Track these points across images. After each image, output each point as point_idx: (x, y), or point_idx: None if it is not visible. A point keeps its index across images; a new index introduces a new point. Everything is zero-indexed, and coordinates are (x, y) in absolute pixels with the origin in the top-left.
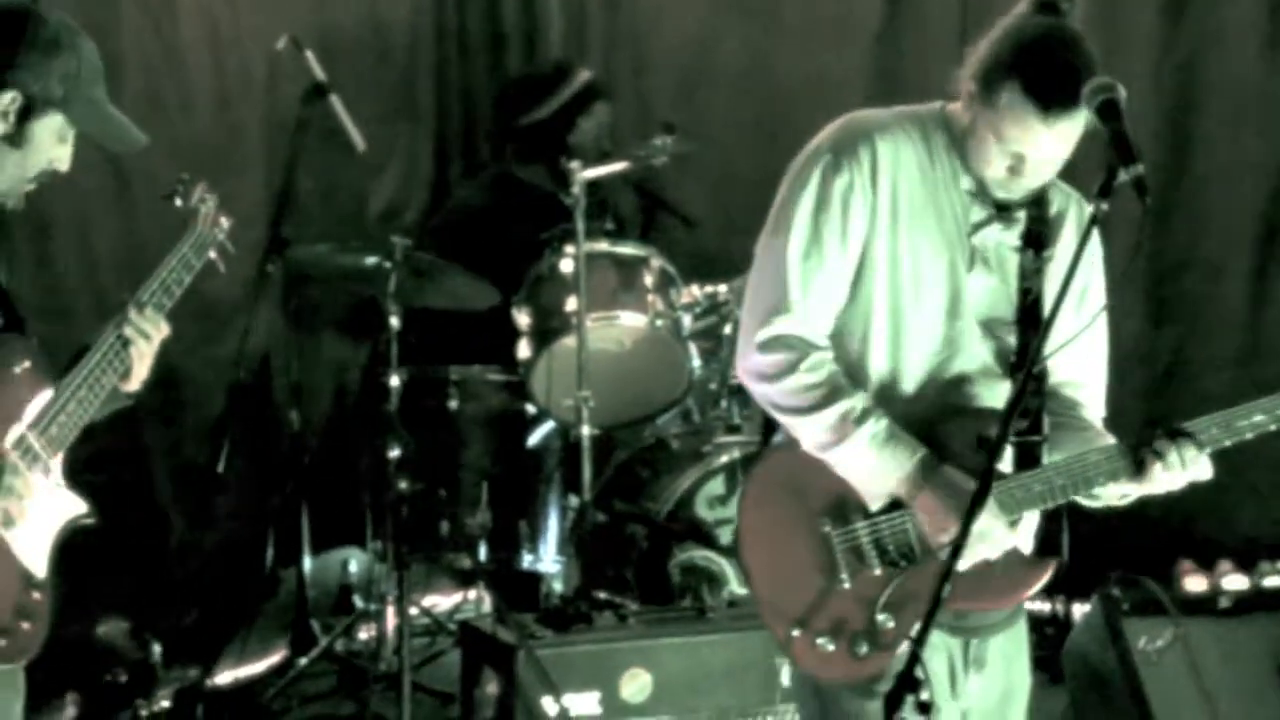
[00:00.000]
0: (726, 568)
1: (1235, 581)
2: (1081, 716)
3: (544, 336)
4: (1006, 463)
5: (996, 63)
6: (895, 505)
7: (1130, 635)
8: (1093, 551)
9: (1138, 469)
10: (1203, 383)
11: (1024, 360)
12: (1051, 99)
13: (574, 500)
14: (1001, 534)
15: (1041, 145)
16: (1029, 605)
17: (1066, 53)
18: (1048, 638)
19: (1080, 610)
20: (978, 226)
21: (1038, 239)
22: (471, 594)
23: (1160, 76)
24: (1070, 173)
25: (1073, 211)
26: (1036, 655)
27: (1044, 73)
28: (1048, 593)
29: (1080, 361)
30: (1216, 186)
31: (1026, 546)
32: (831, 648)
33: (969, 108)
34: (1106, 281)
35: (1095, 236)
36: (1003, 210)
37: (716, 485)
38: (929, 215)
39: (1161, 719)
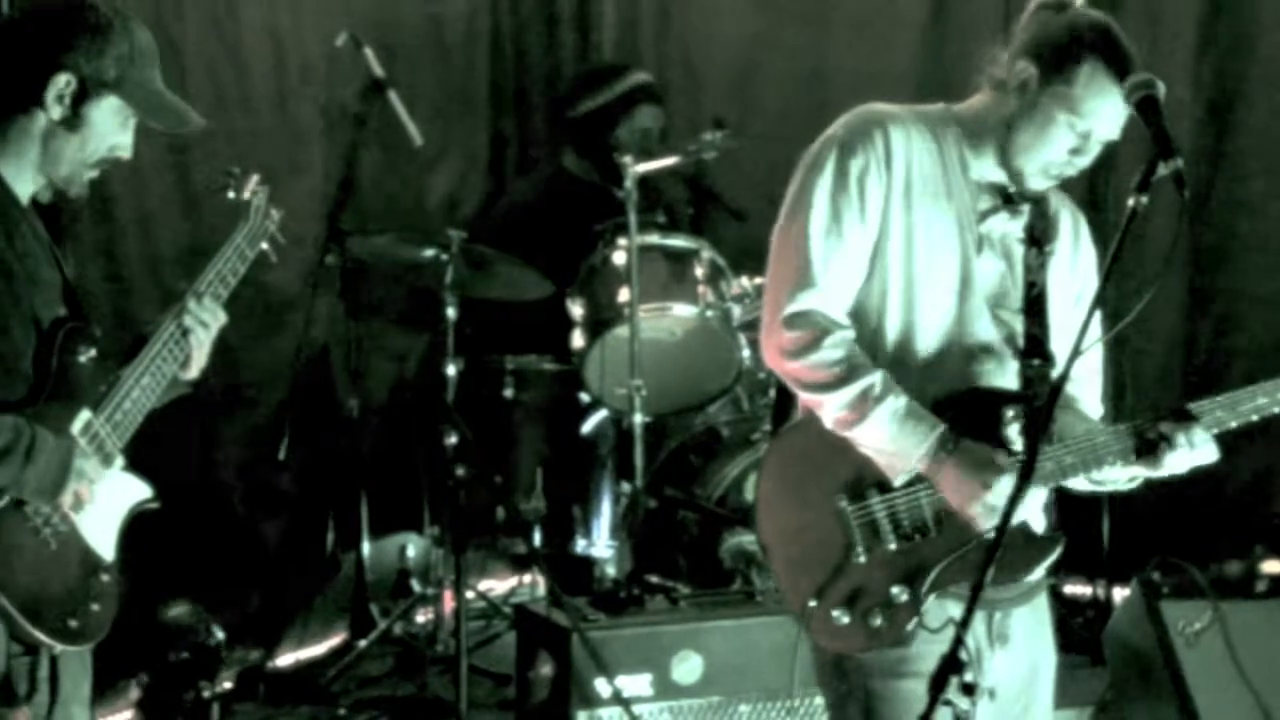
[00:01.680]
0: None
1: (1272, 565)
2: (1122, 697)
3: (597, 327)
4: (1018, 442)
5: (1064, 45)
6: (913, 481)
7: (1169, 618)
8: (1133, 537)
9: (1145, 450)
10: (1242, 372)
11: (1033, 347)
12: (1129, 76)
13: (626, 486)
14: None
15: (1112, 121)
16: (1070, 589)
17: (1123, 38)
18: (1088, 621)
19: (1120, 594)
20: (985, 214)
21: (1040, 236)
22: (526, 578)
23: (1201, 66)
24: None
25: (1066, 212)
26: (1078, 638)
27: (1120, 52)
28: (1089, 577)
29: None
30: (1256, 176)
31: (1038, 524)
32: (846, 620)
33: (1023, 95)
34: (1148, 271)
35: (1089, 238)
36: (1008, 201)
37: None
38: (940, 196)
39: (1199, 699)
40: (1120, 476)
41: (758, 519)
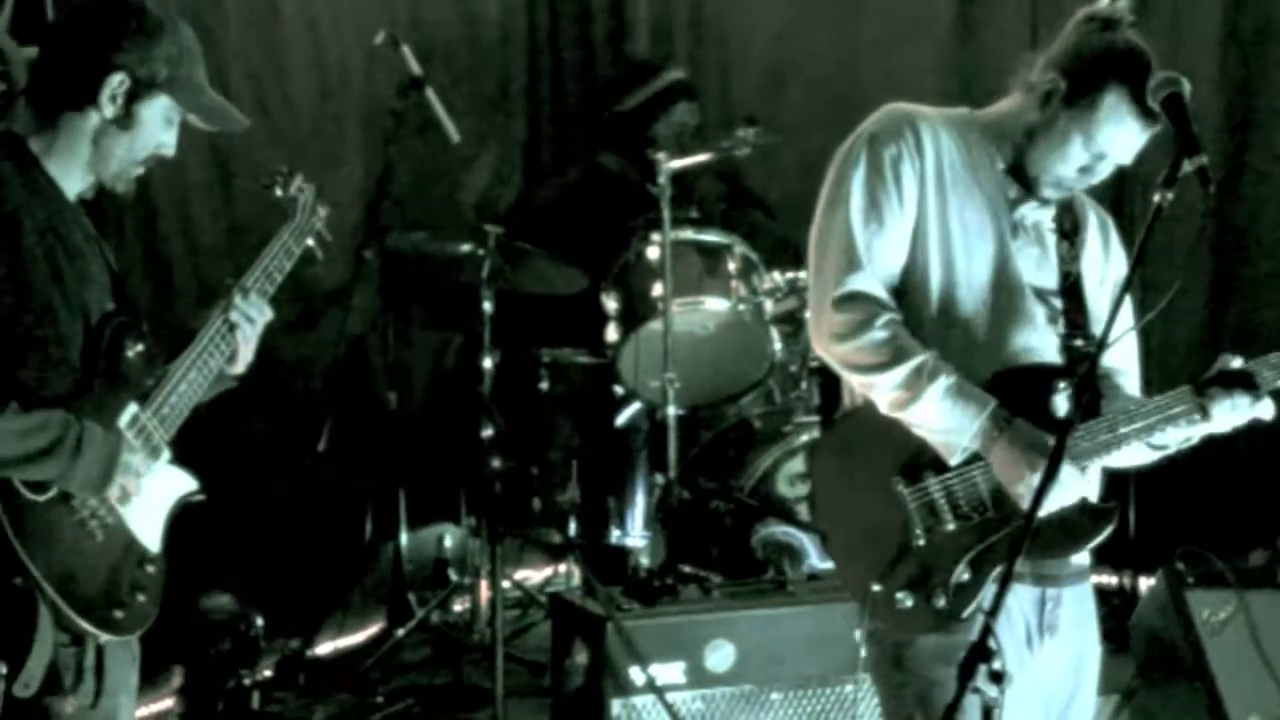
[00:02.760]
0: (807, 543)
1: None
2: (1147, 685)
3: (631, 320)
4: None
5: (1094, 66)
6: (969, 461)
7: (1194, 607)
8: (1158, 528)
9: (1200, 410)
10: None
11: (1072, 327)
12: (1152, 108)
13: (660, 478)
14: (1075, 482)
15: (1126, 149)
16: (1097, 579)
17: (1153, 68)
18: (1115, 610)
19: (1146, 584)
20: (1016, 203)
21: (1069, 229)
22: (561, 568)
23: (1226, 57)
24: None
25: (1091, 210)
26: (1105, 627)
27: (1145, 83)
28: (1115, 567)
29: (1115, 350)
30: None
31: (1093, 496)
32: (910, 603)
33: (1046, 107)
34: (1175, 264)
35: (1117, 233)
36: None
37: (797, 463)
38: (972, 185)
39: (1224, 687)
40: (1177, 438)
41: (816, 507)
